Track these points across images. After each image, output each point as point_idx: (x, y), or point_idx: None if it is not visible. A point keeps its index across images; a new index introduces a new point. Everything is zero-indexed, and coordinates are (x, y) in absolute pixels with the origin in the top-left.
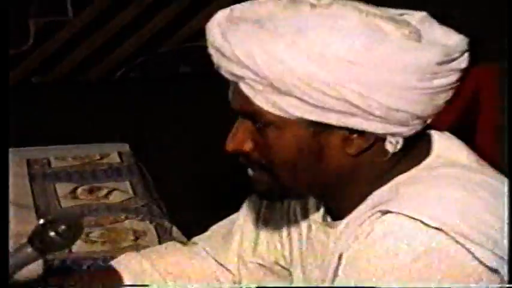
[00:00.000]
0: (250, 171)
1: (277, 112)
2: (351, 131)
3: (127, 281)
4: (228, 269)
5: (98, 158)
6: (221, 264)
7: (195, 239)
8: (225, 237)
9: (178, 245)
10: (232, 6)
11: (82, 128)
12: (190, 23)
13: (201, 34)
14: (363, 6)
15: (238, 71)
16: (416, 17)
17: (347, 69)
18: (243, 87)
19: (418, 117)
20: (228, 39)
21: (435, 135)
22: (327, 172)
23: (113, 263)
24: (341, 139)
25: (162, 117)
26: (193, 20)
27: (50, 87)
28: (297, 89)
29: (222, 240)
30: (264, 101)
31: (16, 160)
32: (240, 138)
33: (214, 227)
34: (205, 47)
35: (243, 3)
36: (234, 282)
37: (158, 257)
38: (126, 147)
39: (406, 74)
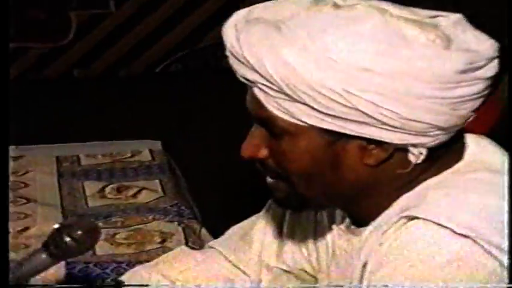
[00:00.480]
0: (268, 179)
1: (289, 119)
2: (369, 140)
3: None
4: (244, 272)
5: (129, 155)
6: (237, 267)
7: (211, 243)
8: (243, 239)
9: (189, 250)
10: (253, 6)
11: (117, 124)
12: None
13: None
14: (389, 7)
15: (250, 75)
16: (450, 20)
17: (359, 77)
18: (257, 92)
19: (441, 128)
20: (240, 42)
21: (469, 139)
22: (344, 182)
23: (123, 277)
24: (358, 149)
25: (202, 113)
26: (239, 7)
27: (91, 81)
28: (308, 96)
29: (239, 243)
30: (276, 107)
31: (45, 157)
32: (254, 145)
33: (231, 230)
34: None
35: (265, 3)
36: (254, 284)
37: (169, 265)
38: (158, 145)
39: (425, 83)
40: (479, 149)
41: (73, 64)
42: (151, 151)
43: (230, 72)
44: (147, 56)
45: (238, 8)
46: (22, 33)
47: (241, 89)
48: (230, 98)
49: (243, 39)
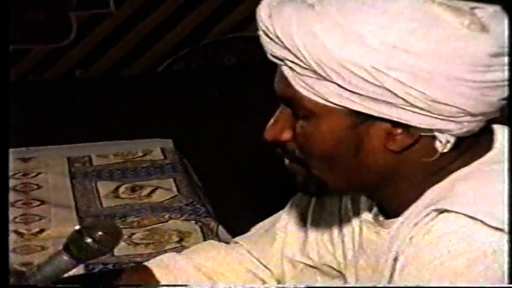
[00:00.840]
0: (286, 161)
1: (315, 98)
2: (394, 124)
3: (159, 277)
4: (268, 268)
5: (141, 154)
6: (261, 263)
7: (236, 239)
8: (267, 236)
9: (216, 243)
10: None
11: (125, 123)
12: (234, 12)
13: (246, 24)
14: None
15: (279, 52)
16: (488, 11)
17: (388, 55)
18: (285, 69)
19: (469, 114)
20: (272, 19)
21: (497, 129)
22: (365, 167)
23: (147, 263)
24: (383, 133)
25: (207, 111)
26: (236, 10)
27: (94, 81)
28: (335, 74)
29: (263, 239)
30: (303, 85)
31: (56, 158)
32: (279, 127)
33: (256, 227)
34: (250, 37)
35: None
36: (277, 280)
37: (194, 253)
38: (169, 143)
39: (454, 64)
40: (508, 139)
41: (75, 65)
42: (162, 150)
43: (232, 69)
44: (149, 55)
45: (237, 7)
46: (22, 34)
47: (245, 85)
48: (234, 95)
49: (275, 16)
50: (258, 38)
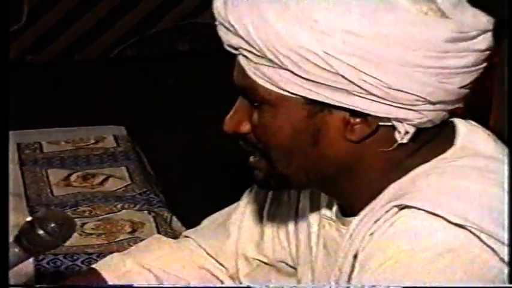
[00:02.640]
0: (251, 158)
1: (271, 87)
2: (352, 113)
3: (110, 281)
4: (222, 264)
5: (93, 141)
6: (213, 257)
7: (186, 232)
8: (220, 231)
9: (164, 238)
10: None
11: (76, 110)
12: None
13: (199, 11)
14: None
15: (234, 41)
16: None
17: (341, 39)
18: (241, 59)
19: (428, 102)
20: (227, 8)
21: (460, 124)
22: (324, 159)
23: (95, 266)
24: (341, 122)
25: (160, 98)
26: None
27: (44, 66)
28: (288, 60)
29: (216, 235)
30: (258, 74)
31: None
32: (237, 119)
33: (207, 220)
34: (204, 24)
35: None
36: (230, 277)
37: (143, 253)
38: (122, 131)
39: (408, 49)
40: (470, 134)
41: (25, 49)
42: (115, 137)
43: (184, 56)
44: (102, 41)
45: None
46: None
47: (199, 71)
48: (187, 81)
49: (229, 5)
50: (212, 24)
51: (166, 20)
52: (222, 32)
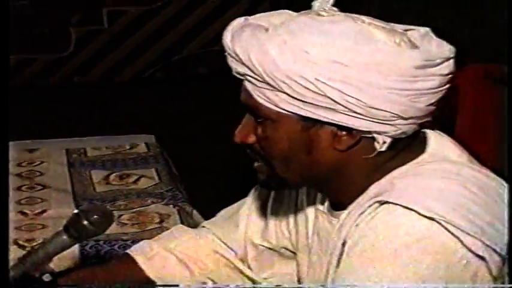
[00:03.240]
0: (255, 163)
1: (271, 106)
2: (339, 127)
3: (141, 263)
4: (231, 248)
5: (128, 148)
6: (226, 244)
7: (204, 223)
8: (231, 221)
9: (186, 228)
10: (249, 16)
11: (115, 121)
12: (207, 30)
13: (216, 41)
14: (366, 18)
15: (240, 69)
16: (420, 32)
17: (328, 68)
18: (246, 83)
19: (401, 118)
20: (234, 41)
21: (430, 134)
22: (316, 164)
23: (129, 251)
24: (330, 135)
25: (183, 112)
26: (208, 29)
27: (89, 86)
28: (286, 85)
29: (228, 225)
30: (260, 96)
31: (57, 150)
32: (244, 132)
33: (221, 213)
34: (220, 51)
35: (261, 13)
36: (240, 260)
37: (168, 239)
38: (152, 139)
39: (384, 75)
40: (439, 143)
41: (73, 72)
42: (146, 144)
43: (204, 78)
44: (136, 65)
45: (212, 25)
46: (29, 46)
47: (214, 93)
48: (205, 100)
49: (236, 39)
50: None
51: (189, 48)
52: (230, 61)
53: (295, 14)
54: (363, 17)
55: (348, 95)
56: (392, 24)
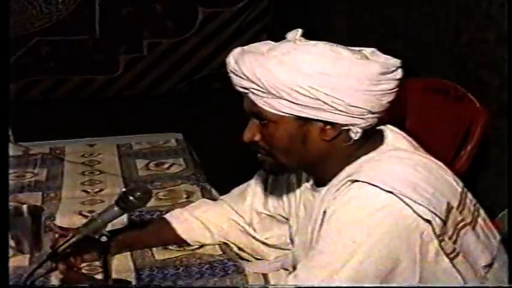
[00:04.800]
0: (259, 155)
1: (272, 111)
2: (325, 123)
3: (175, 225)
4: (241, 215)
5: (162, 143)
6: (237, 212)
7: (222, 197)
8: (241, 195)
9: (207, 201)
10: (243, 47)
11: (153, 123)
12: (220, 56)
13: (226, 64)
14: (328, 43)
15: (246, 84)
16: (369, 51)
17: (317, 78)
18: (250, 95)
19: (371, 112)
20: (238, 63)
21: (386, 129)
22: (310, 153)
23: (164, 216)
24: (319, 130)
25: (204, 117)
26: (221, 54)
27: (134, 98)
28: (285, 93)
29: (238, 198)
30: (264, 103)
31: (110, 145)
32: (251, 132)
33: (233, 190)
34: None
35: (250, 45)
36: (247, 224)
37: (194, 208)
38: (180, 136)
39: (358, 80)
40: (393, 136)
41: (122, 88)
42: (176, 140)
43: (218, 91)
44: (168, 82)
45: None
46: (90, 69)
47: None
48: (219, 108)
49: (240, 61)
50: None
51: (208, 69)
52: (235, 79)
53: (276, 43)
54: (328, 43)
55: (334, 97)
56: (345, 47)
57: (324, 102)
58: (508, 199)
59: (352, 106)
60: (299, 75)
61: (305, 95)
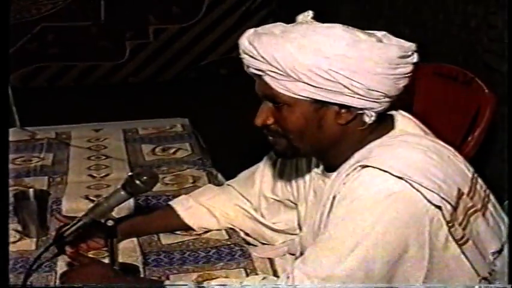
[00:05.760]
0: (270, 138)
1: (289, 94)
2: (341, 107)
3: (180, 212)
4: (249, 200)
5: (168, 128)
6: (244, 197)
7: (227, 182)
8: (249, 179)
9: (213, 186)
10: (255, 28)
11: (159, 108)
12: (226, 42)
13: (233, 49)
14: (344, 25)
15: (262, 66)
16: (379, 34)
17: (337, 60)
18: (266, 77)
19: (386, 96)
20: (254, 45)
21: (397, 114)
22: (324, 137)
23: (170, 203)
24: (334, 113)
25: (210, 102)
26: (227, 41)
27: (140, 84)
28: (305, 76)
29: (246, 181)
30: (280, 86)
31: (116, 130)
32: (264, 116)
33: (240, 174)
34: (236, 58)
35: (263, 26)
36: (254, 210)
37: (200, 195)
38: (186, 121)
39: (378, 64)
40: (403, 121)
41: (128, 74)
42: (182, 125)
43: (224, 77)
44: (175, 68)
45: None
46: (96, 56)
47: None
48: (226, 92)
49: (255, 42)
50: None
51: (214, 55)
52: (248, 61)
53: (288, 25)
54: (341, 24)
55: (353, 80)
56: (358, 29)
57: (343, 86)
58: (508, 199)
59: (370, 90)
60: (319, 58)
61: (324, 78)
